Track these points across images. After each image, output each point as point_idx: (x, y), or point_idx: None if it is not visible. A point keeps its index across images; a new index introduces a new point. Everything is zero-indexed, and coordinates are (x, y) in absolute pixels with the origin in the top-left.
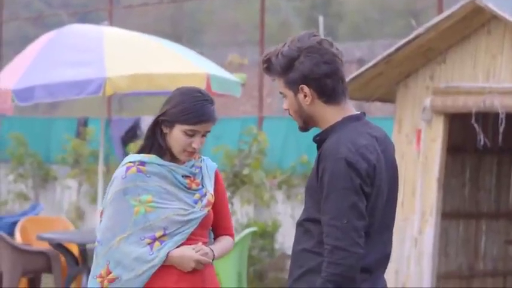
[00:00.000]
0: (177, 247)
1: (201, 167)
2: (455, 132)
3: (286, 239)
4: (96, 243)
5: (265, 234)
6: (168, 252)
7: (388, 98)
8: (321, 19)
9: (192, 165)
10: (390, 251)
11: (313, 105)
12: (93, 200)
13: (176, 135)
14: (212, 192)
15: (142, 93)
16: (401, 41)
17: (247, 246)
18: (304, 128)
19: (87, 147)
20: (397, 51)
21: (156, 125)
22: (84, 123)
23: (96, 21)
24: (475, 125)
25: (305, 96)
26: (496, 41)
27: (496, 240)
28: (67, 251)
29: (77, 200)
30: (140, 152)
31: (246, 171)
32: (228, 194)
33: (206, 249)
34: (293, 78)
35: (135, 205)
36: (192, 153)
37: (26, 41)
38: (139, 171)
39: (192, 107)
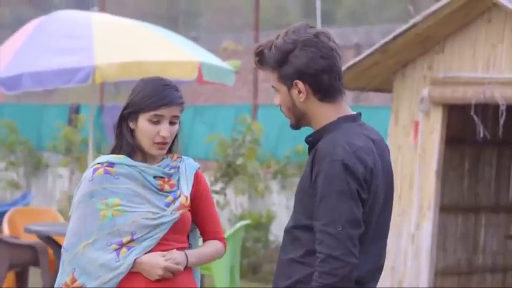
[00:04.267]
0: (147, 253)
1: (178, 168)
2: (454, 123)
3: (281, 231)
4: (62, 249)
5: (260, 226)
6: (136, 259)
7: (385, 87)
8: (318, 3)
9: (167, 165)
10: (383, 263)
11: (308, 103)
12: None
13: (142, 127)
14: (187, 195)
15: (134, 81)
16: (398, 29)
17: (240, 240)
18: (296, 125)
19: (79, 135)
20: (394, 39)
21: (122, 121)
22: (76, 110)
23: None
24: (475, 117)
25: (299, 92)
26: (497, 30)
27: (496, 234)
28: (55, 244)
29: (69, 189)
30: (112, 152)
31: (239, 161)
32: (221, 184)
33: (178, 255)
34: (287, 72)
35: (102, 209)
36: (162, 144)
37: (21, 23)
38: (106, 172)
39: (153, 92)
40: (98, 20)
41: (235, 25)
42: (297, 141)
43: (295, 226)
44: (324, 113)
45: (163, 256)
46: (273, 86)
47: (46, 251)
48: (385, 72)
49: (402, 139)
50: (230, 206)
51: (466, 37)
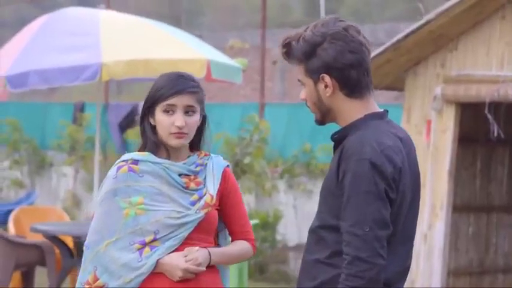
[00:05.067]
0: (171, 253)
1: (205, 165)
2: (466, 122)
3: (288, 230)
4: (84, 246)
5: (267, 225)
6: (159, 259)
7: (397, 86)
8: (322, 1)
9: (193, 163)
10: (410, 264)
11: (334, 98)
12: (90, 187)
13: (158, 119)
14: (213, 193)
15: (140, 79)
16: (407, 27)
17: None
18: (322, 121)
19: (83, 133)
20: (406, 37)
21: (144, 118)
22: (80, 108)
23: (94, 3)
24: (489, 116)
25: (326, 86)
26: (511, 27)
27: (508, 234)
28: (61, 243)
29: (74, 188)
30: (138, 150)
31: (247, 160)
32: None
33: (200, 254)
34: (314, 66)
35: (125, 207)
36: (179, 134)
37: (23, 23)
38: (131, 170)
39: (165, 83)
40: (105, 17)
41: (237, 24)
42: (304, 140)
43: (321, 226)
44: (351, 110)
45: (185, 256)
46: (299, 80)
47: (53, 250)
48: (396, 70)
49: (414, 138)
50: None
51: (479, 35)
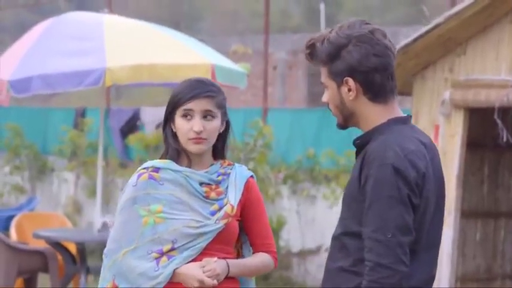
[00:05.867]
0: (188, 263)
1: (228, 175)
2: (474, 127)
3: (291, 236)
4: (103, 255)
5: None
6: (175, 269)
7: (404, 90)
8: (322, 6)
9: (215, 172)
10: (435, 272)
11: (357, 102)
12: (92, 193)
13: (177, 124)
14: (234, 204)
15: (143, 84)
16: (414, 30)
17: None
18: (343, 125)
19: (85, 138)
20: (415, 41)
21: (166, 125)
22: (82, 113)
23: (94, 8)
24: (498, 121)
25: (349, 90)
26: None
27: None
28: (64, 249)
29: (75, 194)
30: (161, 157)
31: (250, 166)
32: None
33: (218, 265)
34: (338, 68)
35: (144, 215)
36: (198, 139)
37: (23, 28)
38: (151, 177)
39: (184, 88)
40: (109, 21)
41: (237, 29)
42: (307, 146)
43: (344, 233)
44: (374, 114)
45: (203, 267)
46: (321, 82)
47: (55, 256)
48: (404, 74)
49: None
50: None
51: (489, 39)
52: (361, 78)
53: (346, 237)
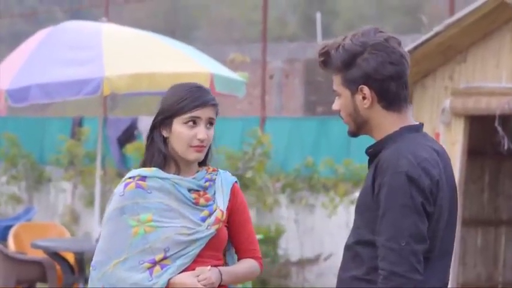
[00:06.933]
0: (183, 271)
1: (214, 181)
2: (474, 135)
3: (289, 245)
4: (90, 267)
5: (268, 240)
6: (170, 279)
7: None
8: (318, 16)
9: (202, 178)
10: (449, 280)
11: (371, 110)
12: (89, 203)
13: (178, 131)
14: (223, 209)
15: (141, 93)
16: (413, 39)
17: None
18: (355, 133)
19: (82, 148)
20: (415, 49)
21: (154, 130)
22: (79, 123)
23: (90, 17)
24: (499, 129)
25: (364, 98)
26: None
27: None
28: (62, 260)
29: (72, 203)
30: (143, 165)
31: (249, 174)
32: None
33: (212, 274)
34: (353, 76)
35: (134, 225)
36: (200, 147)
37: (19, 37)
38: (138, 186)
39: (187, 93)
40: (107, 30)
41: (233, 37)
42: (305, 154)
43: (357, 242)
44: (387, 122)
45: (197, 276)
46: (333, 90)
47: (54, 266)
48: None
49: None
50: None
51: (489, 46)
52: (376, 86)
53: (359, 246)
